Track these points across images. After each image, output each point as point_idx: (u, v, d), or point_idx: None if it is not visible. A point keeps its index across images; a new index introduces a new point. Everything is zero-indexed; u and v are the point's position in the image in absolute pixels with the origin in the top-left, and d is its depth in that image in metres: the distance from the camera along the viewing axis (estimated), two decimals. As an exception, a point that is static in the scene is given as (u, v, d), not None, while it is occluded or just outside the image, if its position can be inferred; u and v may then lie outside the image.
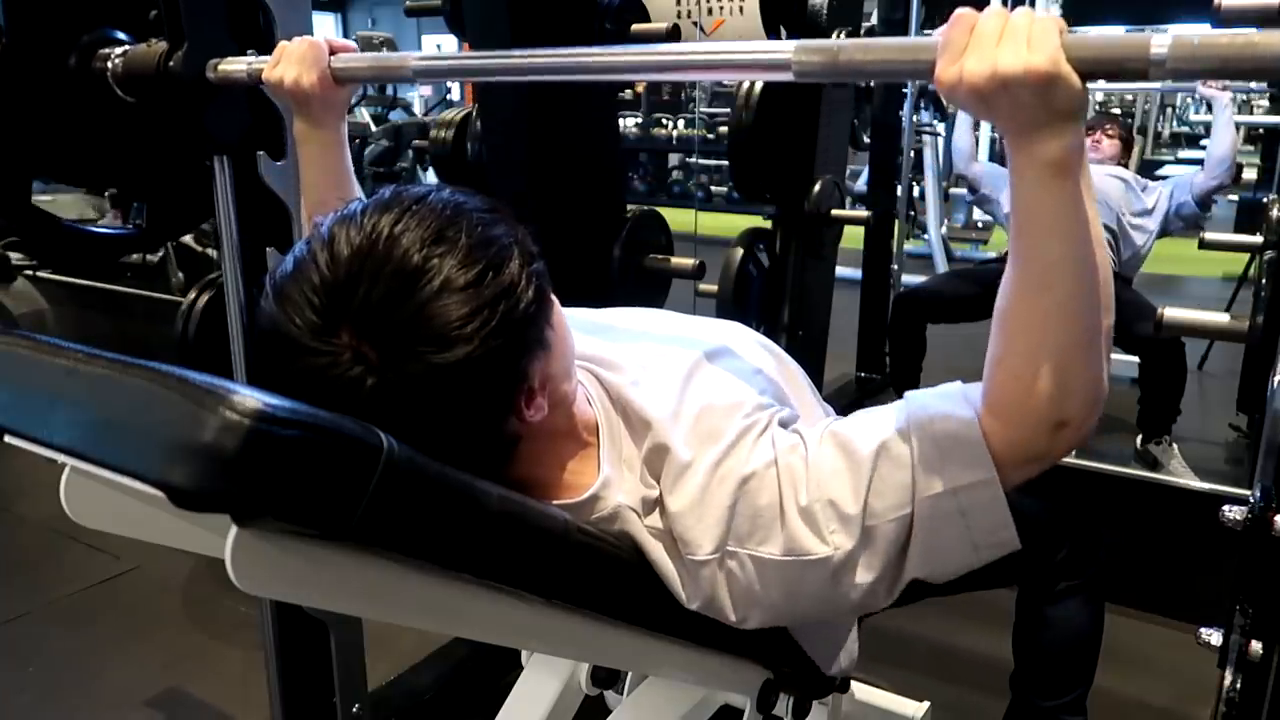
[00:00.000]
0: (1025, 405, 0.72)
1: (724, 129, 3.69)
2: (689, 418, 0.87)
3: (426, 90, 9.65)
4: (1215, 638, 1.20)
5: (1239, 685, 1.16)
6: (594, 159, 1.83)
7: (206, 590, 2.31)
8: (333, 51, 1.03)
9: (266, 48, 1.10)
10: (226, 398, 0.56)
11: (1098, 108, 7.88)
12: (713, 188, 7.94)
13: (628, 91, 7.08)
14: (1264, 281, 2.12)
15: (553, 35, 1.63)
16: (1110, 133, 3.24)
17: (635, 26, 1.68)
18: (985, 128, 4.42)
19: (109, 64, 1.27)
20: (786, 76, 0.76)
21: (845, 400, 3.27)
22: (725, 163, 4.20)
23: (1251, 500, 1.12)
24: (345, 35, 10.42)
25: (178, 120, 1.26)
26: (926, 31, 3.65)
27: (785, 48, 0.75)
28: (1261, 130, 5.51)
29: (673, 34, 1.67)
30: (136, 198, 1.83)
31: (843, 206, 2.22)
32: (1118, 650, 1.46)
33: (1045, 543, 1.30)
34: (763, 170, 2.02)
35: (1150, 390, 2.82)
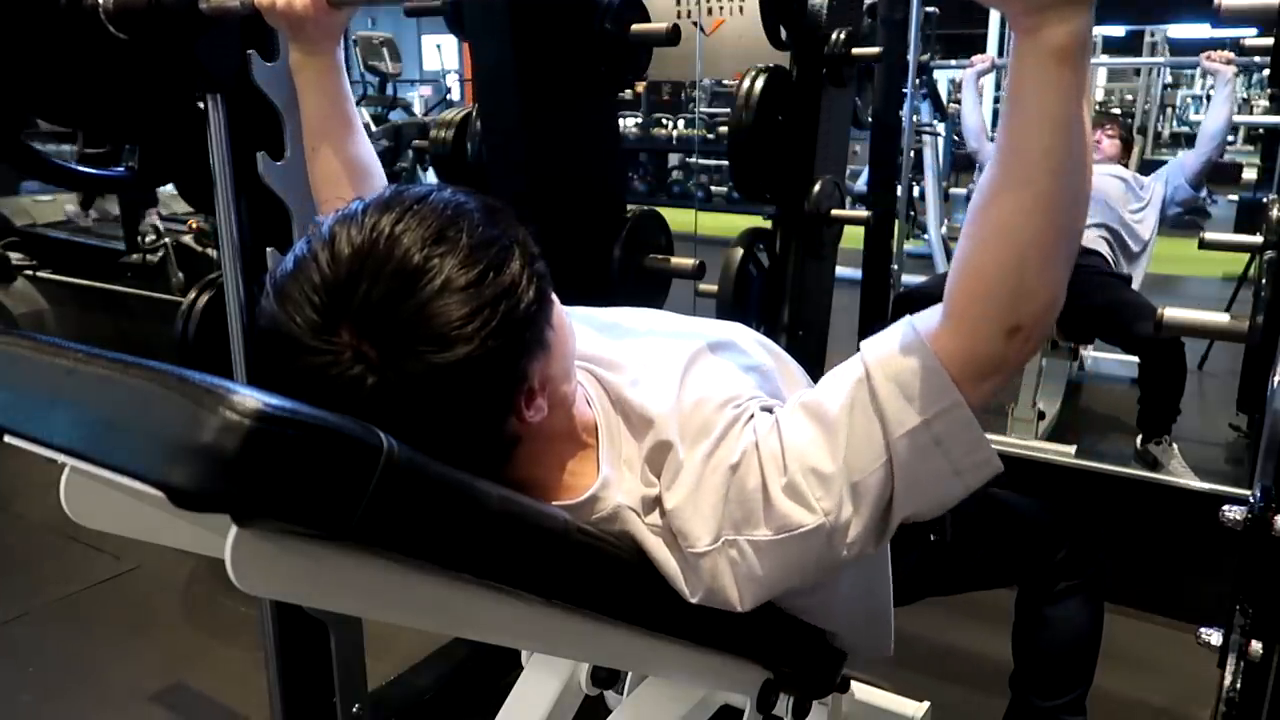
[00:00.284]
0: (985, 305, 0.72)
1: (724, 129, 3.68)
2: (686, 408, 0.88)
3: (426, 90, 9.65)
4: (1215, 638, 1.20)
5: (1239, 685, 1.16)
6: (594, 159, 1.83)
7: (206, 590, 2.31)
8: None
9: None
10: (226, 397, 0.56)
11: (1098, 108, 7.89)
12: (713, 188, 7.93)
13: (628, 91, 7.07)
14: (1264, 281, 2.12)
15: (552, 36, 1.63)
16: (1110, 133, 3.24)
17: (635, 26, 1.68)
18: (990, 110, 4.41)
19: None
20: None
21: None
22: (725, 163, 4.19)
23: (1251, 500, 1.12)
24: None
25: (170, 56, 1.24)
26: (926, 32, 3.65)
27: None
28: (1261, 130, 5.51)
29: (673, 34, 1.67)
30: (129, 140, 1.81)
31: (843, 206, 2.22)
32: (1118, 650, 1.46)
33: (1045, 543, 1.30)
34: (763, 170, 2.01)
35: (1150, 390, 2.82)
